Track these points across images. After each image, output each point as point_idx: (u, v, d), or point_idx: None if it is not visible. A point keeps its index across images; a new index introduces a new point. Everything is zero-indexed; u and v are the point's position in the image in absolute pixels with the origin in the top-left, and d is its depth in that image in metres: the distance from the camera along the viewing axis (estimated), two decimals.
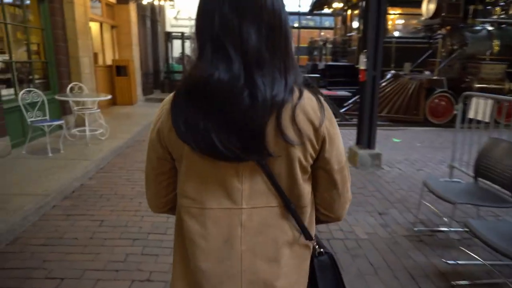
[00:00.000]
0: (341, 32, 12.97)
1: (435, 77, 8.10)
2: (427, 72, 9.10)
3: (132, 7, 10.03)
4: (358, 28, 11.24)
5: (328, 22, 17.51)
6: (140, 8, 11.43)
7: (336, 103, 8.97)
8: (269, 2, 0.74)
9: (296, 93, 0.78)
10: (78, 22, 6.59)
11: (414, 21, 11.12)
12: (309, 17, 17.33)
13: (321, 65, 11.76)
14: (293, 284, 0.85)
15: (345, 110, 8.83)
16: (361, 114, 4.88)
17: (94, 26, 9.42)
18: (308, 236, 0.87)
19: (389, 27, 11.53)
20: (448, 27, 8.35)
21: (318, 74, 11.58)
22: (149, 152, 0.92)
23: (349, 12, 12.46)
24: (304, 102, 0.78)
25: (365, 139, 4.78)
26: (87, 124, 5.50)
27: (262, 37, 0.73)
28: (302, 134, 0.77)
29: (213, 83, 0.72)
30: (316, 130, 0.79)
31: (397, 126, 8.02)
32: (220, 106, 0.73)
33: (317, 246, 0.93)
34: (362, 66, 4.56)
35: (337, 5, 12.89)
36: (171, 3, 10.16)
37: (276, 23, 0.75)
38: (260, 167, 0.79)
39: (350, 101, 9.07)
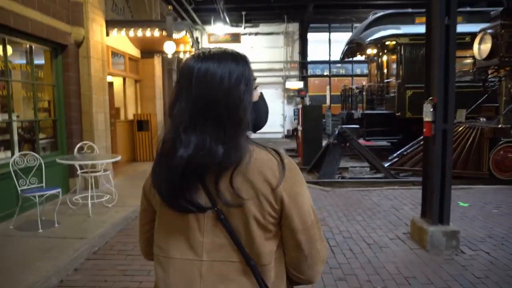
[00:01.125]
0: (376, 78, 12.12)
1: (500, 125, 6.86)
2: (482, 119, 7.87)
3: (157, 61, 9.76)
4: (397, 74, 10.34)
5: (359, 69, 16.86)
6: (166, 61, 11.22)
7: (375, 154, 7.83)
8: (201, 75, 0.84)
9: (251, 154, 0.84)
10: (95, 76, 6.12)
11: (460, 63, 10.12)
12: (338, 65, 16.79)
13: (357, 113, 10.80)
14: None
15: (390, 165, 7.65)
16: (427, 178, 3.76)
17: (117, 81, 9.12)
18: None
19: None
20: (508, 68, 7.26)
21: (354, 123, 10.60)
22: (140, 205, 1.05)
23: (384, 58, 11.67)
24: (261, 162, 0.85)
25: (435, 211, 3.60)
26: (90, 191, 4.70)
27: (190, 104, 0.84)
28: (255, 191, 0.83)
29: (164, 144, 0.87)
30: (273, 190, 0.84)
31: (457, 184, 6.72)
32: (167, 162, 0.85)
33: None
34: (427, 117, 3.52)
35: (371, 51, 12.19)
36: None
37: (210, 90, 0.83)
38: (220, 221, 0.84)
39: (395, 154, 7.90)
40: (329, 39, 15.98)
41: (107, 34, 6.62)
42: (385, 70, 11.59)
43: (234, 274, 0.85)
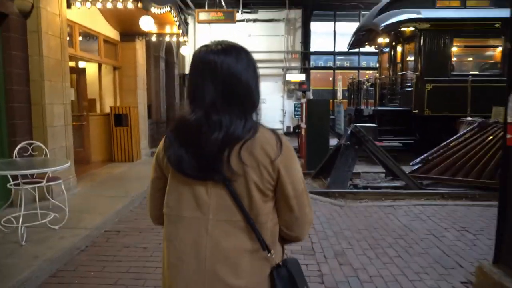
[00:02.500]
0: (388, 71, 10.85)
1: None
2: None
3: (140, 45, 8.42)
4: (415, 66, 9.07)
5: (365, 62, 15.57)
6: (152, 47, 9.88)
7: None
8: (225, 68, 1.03)
9: (256, 132, 1.03)
10: (49, 58, 4.81)
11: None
12: (342, 57, 15.48)
13: (368, 110, 9.54)
14: (250, 287, 1.02)
15: (413, 172, 6.42)
16: (506, 207, 2.51)
17: (91, 68, 7.79)
18: (265, 248, 1.04)
19: (457, 61, 9.32)
20: None
21: (363, 121, 9.35)
22: (151, 173, 1.20)
23: (399, 47, 10.39)
24: (263, 139, 1.04)
25: None
26: (20, 208, 3.41)
27: (218, 91, 1.03)
28: (257, 162, 1.01)
29: (186, 123, 1.05)
30: (271, 161, 1.02)
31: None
32: (187, 139, 1.04)
33: (276, 260, 1.06)
34: None
35: (382, 40, 10.90)
36: (185, 38, 8.50)
37: (232, 80, 1.04)
38: (225, 187, 1.02)
39: (418, 159, 6.67)
40: (334, 28, 14.63)
41: (69, 6, 5.30)
42: (400, 62, 10.31)
43: (235, 231, 1.03)
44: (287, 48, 14.28)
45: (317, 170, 7.11)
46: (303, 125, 8.27)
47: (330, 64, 15.18)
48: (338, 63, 15.33)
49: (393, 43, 10.63)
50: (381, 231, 4.01)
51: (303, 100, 8.34)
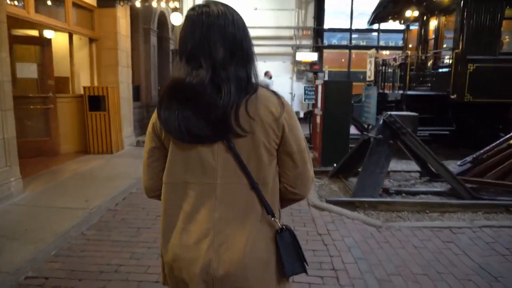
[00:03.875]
0: (417, 50, 9.27)
1: None
2: None
3: (122, 13, 6.94)
4: (454, 41, 7.50)
5: (383, 41, 13.93)
6: (142, 19, 8.39)
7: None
8: (231, 30, 1.03)
9: (258, 91, 1.04)
10: None
11: None
12: (356, 35, 13.81)
13: (394, 95, 8.04)
14: (257, 249, 1.04)
15: (461, 174, 5.00)
16: None
17: (59, 39, 6.37)
18: (269, 211, 1.06)
19: (508, 37, 7.75)
20: None
21: (388, 107, 7.89)
22: (146, 143, 1.16)
23: (432, 22, 8.79)
24: (265, 98, 1.05)
25: None
26: None
27: (226, 51, 1.02)
28: (262, 120, 1.02)
29: (186, 85, 1.00)
30: (276, 119, 1.04)
31: None
32: (191, 100, 0.99)
33: (279, 224, 1.08)
34: None
35: (411, 13, 9.30)
36: (176, 4, 6.99)
37: (237, 42, 1.04)
38: (231, 150, 1.02)
39: (468, 158, 5.23)
40: (352, 2, 12.90)
41: None
42: (433, 38, 8.73)
43: (242, 194, 1.04)
44: (298, 24, 12.65)
45: (337, 169, 5.72)
46: (317, 111, 6.84)
47: (345, 42, 13.55)
48: (353, 42, 13.70)
49: (425, 17, 9.02)
50: (449, 278, 2.64)
51: (319, 82, 6.88)
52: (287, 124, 1.06)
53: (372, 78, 9.42)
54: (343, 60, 13.66)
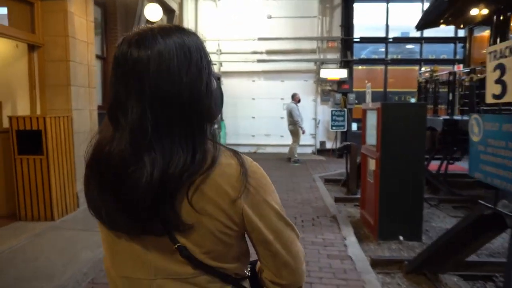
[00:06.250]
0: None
1: None
2: None
3: (78, 8, 4.78)
4: None
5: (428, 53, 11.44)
6: (122, 18, 6.26)
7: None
8: (154, 69, 0.69)
9: (214, 161, 0.73)
10: None
11: None
12: (391, 49, 11.38)
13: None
14: None
15: None
16: None
17: None
18: None
19: None
20: None
21: (462, 140, 5.47)
22: None
23: None
24: (218, 170, 0.73)
25: None
26: None
27: (145, 107, 0.69)
28: (214, 205, 0.73)
29: (105, 155, 0.71)
30: (233, 201, 0.74)
31: None
32: (112, 180, 0.71)
33: None
34: None
35: (476, 12, 6.95)
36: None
37: (168, 93, 0.70)
38: (170, 239, 0.74)
39: None
40: (387, 6, 10.58)
41: None
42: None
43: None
44: (322, 34, 10.40)
45: (420, 260, 3.26)
46: (368, 151, 4.45)
47: (377, 55, 11.16)
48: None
49: (501, 16, 6.64)
50: None
51: (371, 105, 4.51)
52: (250, 206, 0.76)
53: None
54: (369, 78, 11.15)
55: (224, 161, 0.74)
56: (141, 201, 0.68)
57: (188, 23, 10.22)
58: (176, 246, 0.74)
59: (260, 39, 10.09)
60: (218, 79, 7.56)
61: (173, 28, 0.74)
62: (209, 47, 10.49)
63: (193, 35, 0.75)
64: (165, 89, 0.69)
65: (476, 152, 2.69)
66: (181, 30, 0.74)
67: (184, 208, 0.71)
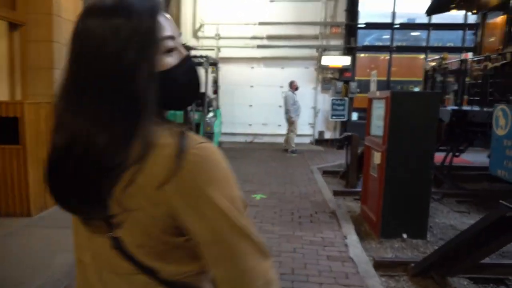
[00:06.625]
0: (504, 47, 6.45)
1: None
2: None
3: None
4: None
5: (436, 41, 10.98)
6: None
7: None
8: (83, 38, 0.66)
9: (148, 147, 0.63)
10: None
11: None
12: (397, 36, 10.91)
13: (482, 113, 5.24)
14: None
15: None
16: None
17: None
18: None
19: None
20: None
21: (472, 132, 5.18)
22: None
23: None
24: (151, 155, 0.63)
25: None
26: None
27: (70, 79, 0.66)
28: (143, 195, 0.64)
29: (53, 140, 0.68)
30: (158, 187, 0.62)
31: None
32: (54, 165, 0.69)
33: None
34: None
35: None
36: None
37: (92, 58, 0.63)
38: (106, 226, 0.67)
39: None
40: None
41: None
42: None
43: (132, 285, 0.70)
44: (325, 19, 9.97)
45: (428, 262, 3.00)
46: (372, 143, 4.14)
47: (382, 42, 10.73)
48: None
49: None
50: None
51: (377, 93, 4.18)
52: (183, 194, 0.63)
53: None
54: (372, 66, 10.71)
55: (162, 141, 0.64)
56: (72, 181, 0.66)
57: (186, 5, 9.79)
58: (108, 235, 0.67)
59: (260, 23, 9.66)
60: (199, 64, 7.16)
61: (123, 1, 0.66)
62: (207, 31, 10.09)
63: (141, 9, 0.65)
64: (83, 64, 0.64)
65: (501, 147, 2.40)
66: (128, 4, 0.65)
67: (113, 200, 0.64)
